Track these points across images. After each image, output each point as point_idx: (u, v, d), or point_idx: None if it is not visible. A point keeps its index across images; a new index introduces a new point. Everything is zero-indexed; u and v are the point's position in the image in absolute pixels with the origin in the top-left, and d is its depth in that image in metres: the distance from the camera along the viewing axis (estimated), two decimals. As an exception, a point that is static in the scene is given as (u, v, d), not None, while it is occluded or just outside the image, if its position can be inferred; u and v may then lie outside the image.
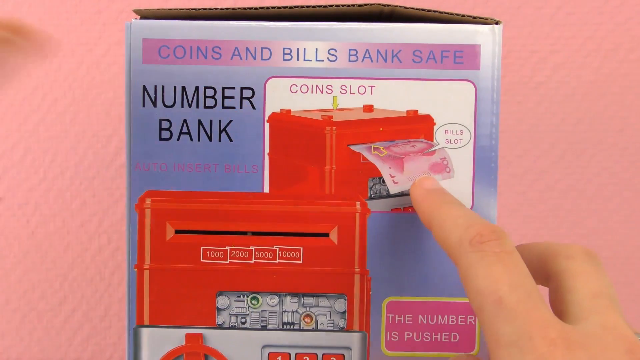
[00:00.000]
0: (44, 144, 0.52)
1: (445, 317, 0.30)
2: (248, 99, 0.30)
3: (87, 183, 0.52)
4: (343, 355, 0.30)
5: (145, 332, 0.31)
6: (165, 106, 0.30)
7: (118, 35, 0.51)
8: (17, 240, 0.53)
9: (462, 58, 0.29)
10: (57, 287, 0.53)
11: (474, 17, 0.29)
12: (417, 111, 0.29)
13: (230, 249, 0.30)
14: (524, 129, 0.54)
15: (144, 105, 0.30)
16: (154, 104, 0.30)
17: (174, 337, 0.31)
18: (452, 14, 0.29)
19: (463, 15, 0.29)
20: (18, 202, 0.52)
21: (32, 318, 0.53)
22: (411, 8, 0.29)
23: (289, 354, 0.30)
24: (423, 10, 0.29)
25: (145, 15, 0.31)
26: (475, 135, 0.29)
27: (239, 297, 0.30)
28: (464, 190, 0.29)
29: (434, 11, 0.29)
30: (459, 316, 0.30)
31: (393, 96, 0.29)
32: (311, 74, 0.29)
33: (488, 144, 0.29)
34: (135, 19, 0.31)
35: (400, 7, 0.29)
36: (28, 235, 0.53)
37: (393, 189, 0.29)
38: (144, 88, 0.30)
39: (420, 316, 0.30)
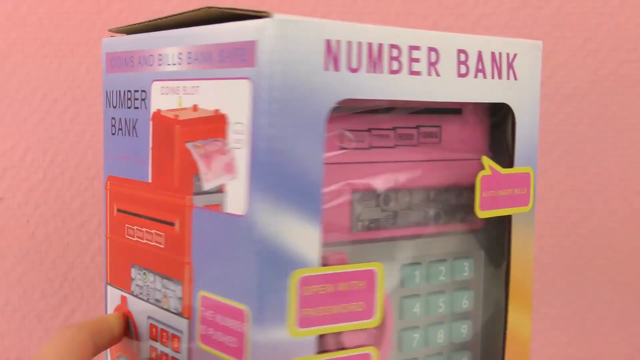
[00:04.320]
0: (44, 144, 0.52)
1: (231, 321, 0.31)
2: (143, 100, 0.35)
3: (87, 183, 0.52)
4: (180, 337, 0.33)
5: (108, 289, 0.38)
6: (113, 107, 0.37)
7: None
8: (17, 240, 0.53)
9: (244, 55, 0.29)
10: (57, 287, 0.53)
11: (259, 12, 0.28)
12: (218, 110, 0.31)
13: (136, 228, 0.35)
14: (524, 129, 0.54)
15: (107, 107, 0.38)
16: (108, 105, 0.37)
17: (117, 296, 0.37)
18: (238, 10, 0.29)
19: (246, 10, 0.29)
20: (18, 202, 0.52)
21: (32, 318, 0.53)
22: (224, 8, 0.29)
23: (157, 326, 0.34)
24: (230, 9, 0.29)
25: (117, 31, 0.37)
26: (253, 136, 0.28)
27: (139, 270, 0.35)
28: (239, 193, 0.29)
29: (230, 9, 0.29)
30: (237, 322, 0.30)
31: (207, 96, 0.31)
32: (170, 76, 0.33)
33: (266, 146, 0.28)
34: (112, 36, 0.37)
35: (215, 7, 0.30)
36: (28, 235, 0.53)
37: (204, 186, 0.31)
38: (106, 93, 0.38)
39: (218, 315, 0.31)
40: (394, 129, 0.33)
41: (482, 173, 0.34)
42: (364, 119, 0.32)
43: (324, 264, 0.30)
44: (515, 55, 0.34)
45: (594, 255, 0.56)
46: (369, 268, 0.30)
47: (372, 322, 0.31)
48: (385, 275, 0.33)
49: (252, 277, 0.28)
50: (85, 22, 0.51)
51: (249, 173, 0.28)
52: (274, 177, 0.28)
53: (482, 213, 0.34)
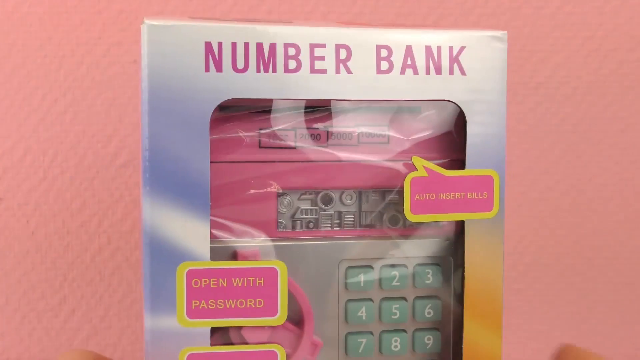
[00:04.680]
0: (44, 144, 0.52)
1: None
2: None
3: (87, 183, 0.52)
4: None
5: None
6: None
7: (118, 36, 0.51)
8: (17, 240, 0.53)
9: (139, 61, 0.31)
10: (57, 287, 0.53)
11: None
12: None
13: None
14: (524, 129, 0.54)
15: None
16: None
17: None
18: None
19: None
20: (18, 202, 0.52)
21: (32, 318, 0.53)
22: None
23: None
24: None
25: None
26: (141, 135, 0.31)
27: None
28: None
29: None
30: None
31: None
32: None
33: (148, 144, 0.30)
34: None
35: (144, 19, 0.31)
36: (28, 235, 0.53)
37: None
38: None
39: None
40: (325, 128, 0.33)
41: (412, 174, 0.32)
42: (291, 117, 0.33)
43: (235, 259, 0.32)
44: (462, 48, 0.32)
45: (594, 255, 0.56)
46: (270, 266, 0.31)
47: (276, 319, 0.31)
48: (315, 275, 0.33)
49: (145, 267, 0.30)
50: (85, 22, 0.51)
51: (141, 170, 0.30)
52: (157, 174, 0.30)
53: (415, 217, 0.32)
